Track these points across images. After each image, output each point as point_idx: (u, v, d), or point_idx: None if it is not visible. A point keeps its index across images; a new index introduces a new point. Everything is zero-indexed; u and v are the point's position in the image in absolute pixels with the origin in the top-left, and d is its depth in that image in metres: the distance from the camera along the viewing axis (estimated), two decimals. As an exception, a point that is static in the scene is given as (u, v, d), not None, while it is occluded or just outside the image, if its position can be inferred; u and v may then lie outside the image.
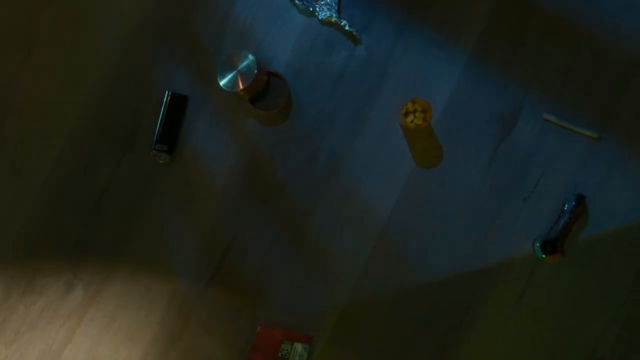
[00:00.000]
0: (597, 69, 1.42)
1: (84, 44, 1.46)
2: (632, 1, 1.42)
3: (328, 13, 1.44)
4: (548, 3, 1.44)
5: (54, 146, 1.46)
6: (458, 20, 1.44)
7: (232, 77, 1.41)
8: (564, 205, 1.43)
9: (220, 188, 1.45)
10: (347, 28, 1.43)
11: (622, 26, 1.43)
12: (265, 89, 1.46)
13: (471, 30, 1.44)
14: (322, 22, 1.46)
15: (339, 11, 1.45)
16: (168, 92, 1.47)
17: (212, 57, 1.46)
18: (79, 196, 1.46)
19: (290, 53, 1.47)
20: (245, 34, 1.47)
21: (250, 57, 1.39)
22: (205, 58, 1.47)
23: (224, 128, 1.46)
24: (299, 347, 1.43)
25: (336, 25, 1.45)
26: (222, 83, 1.41)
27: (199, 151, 1.46)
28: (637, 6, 1.42)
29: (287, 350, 1.43)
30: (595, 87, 1.42)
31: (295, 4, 1.45)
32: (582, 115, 1.42)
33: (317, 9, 1.45)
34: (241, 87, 1.40)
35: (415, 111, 1.42)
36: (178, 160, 1.46)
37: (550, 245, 1.40)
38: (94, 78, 1.46)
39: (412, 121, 1.41)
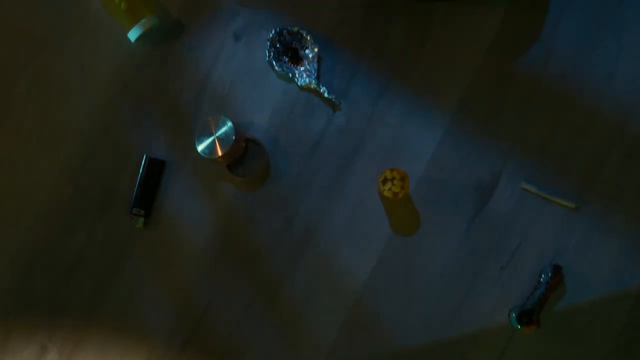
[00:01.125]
0: (576, 138, 1.43)
1: (61, 107, 1.46)
2: (613, 70, 1.43)
3: (307, 79, 1.44)
4: (527, 69, 1.44)
5: (30, 209, 1.45)
6: (437, 87, 1.45)
7: (209, 144, 1.40)
8: (540, 276, 1.42)
9: (196, 253, 1.44)
10: (326, 95, 1.44)
11: (602, 95, 1.44)
12: (243, 155, 1.45)
13: (449, 98, 1.45)
14: (301, 88, 1.46)
15: (318, 77, 1.46)
16: (145, 157, 1.47)
17: (191, 121, 1.46)
18: (54, 259, 1.45)
19: (269, 118, 1.47)
20: (224, 99, 1.47)
21: (229, 123, 1.39)
22: (183, 122, 1.46)
23: (201, 193, 1.45)
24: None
25: (315, 92, 1.46)
26: (199, 149, 1.40)
27: (176, 216, 1.45)
28: (618, 75, 1.43)
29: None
30: (573, 156, 1.43)
31: (274, 70, 1.45)
32: (559, 184, 1.43)
33: (297, 75, 1.45)
34: (219, 154, 1.39)
35: (393, 179, 1.42)
36: (154, 225, 1.45)
37: (526, 317, 1.40)
38: (70, 141, 1.46)
39: (389, 189, 1.41)
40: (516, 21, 1.45)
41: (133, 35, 1.43)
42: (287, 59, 1.45)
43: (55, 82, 1.47)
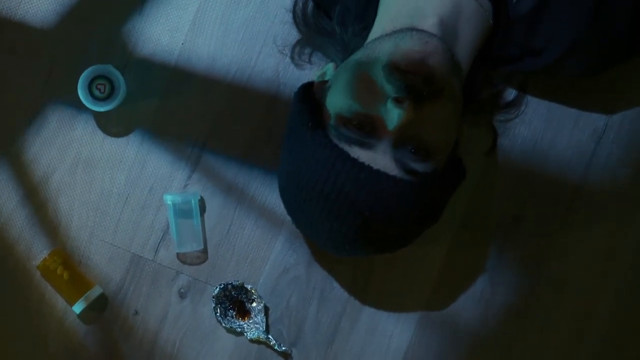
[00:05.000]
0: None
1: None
2: (556, 303, 1.44)
3: (256, 333, 1.45)
4: (473, 304, 1.45)
5: None
6: (385, 328, 1.47)
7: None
8: None
9: None
10: (276, 348, 1.43)
11: (549, 325, 1.44)
12: (198, 417, 1.44)
13: (399, 338, 1.46)
14: (251, 341, 1.45)
15: (267, 329, 1.46)
16: None
17: (143, 385, 1.45)
18: None
19: (222, 374, 1.46)
20: (175, 358, 1.46)
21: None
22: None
23: None
24: None
25: (266, 344, 1.45)
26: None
27: None
28: (560, 312, 1.44)
29: None
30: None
31: (222, 326, 1.45)
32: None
33: (245, 329, 1.45)
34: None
35: None
36: None
37: None
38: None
39: None
40: (460, 256, 1.46)
41: (78, 308, 1.44)
42: (234, 314, 1.45)
43: (3, 353, 1.45)
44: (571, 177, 1.46)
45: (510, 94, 1.45)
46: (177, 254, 1.48)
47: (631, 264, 1.47)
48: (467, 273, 1.48)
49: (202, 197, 1.48)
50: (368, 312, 1.48)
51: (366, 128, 1.16)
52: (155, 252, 1.48)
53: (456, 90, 1.22)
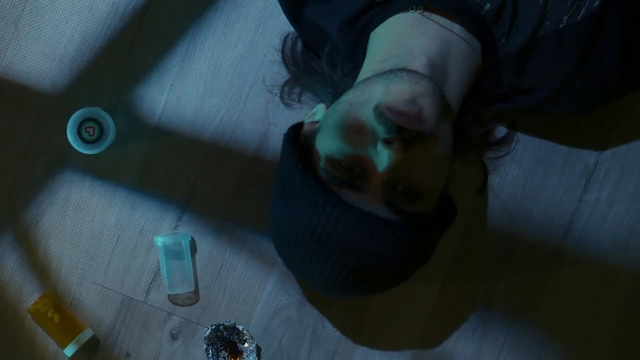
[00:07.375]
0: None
1: None
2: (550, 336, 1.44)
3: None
4: (465, 342, 1.45)
5: None
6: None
7: None
8: None
9: None
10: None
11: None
12: None
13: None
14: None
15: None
16: None
17: None
18: None
19: (214, 416, 1.45)
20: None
21: None
22: None
23: None
24: None
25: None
26: None
27: None
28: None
29: None
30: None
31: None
32: None
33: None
34: None
35: None
36: None
37: None
38: None
39: None
40: (452, 292, 1.45)
41: (69, 351, 1.43)
42: (226, 355, 1.44)
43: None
44: (562, 214, 1.46)
45: (501, 131, 1.44)
46: (169, 295, 1.47)
47: (623, 299, 1.46)
48: (460, 309, 1.48)
49: (192, 238, 1.47)
50: (361, 351, 1.47)
51: (356, 170, 1.15)
52: (147, 294, 1.47)
53: (446, 130, 1.21)
